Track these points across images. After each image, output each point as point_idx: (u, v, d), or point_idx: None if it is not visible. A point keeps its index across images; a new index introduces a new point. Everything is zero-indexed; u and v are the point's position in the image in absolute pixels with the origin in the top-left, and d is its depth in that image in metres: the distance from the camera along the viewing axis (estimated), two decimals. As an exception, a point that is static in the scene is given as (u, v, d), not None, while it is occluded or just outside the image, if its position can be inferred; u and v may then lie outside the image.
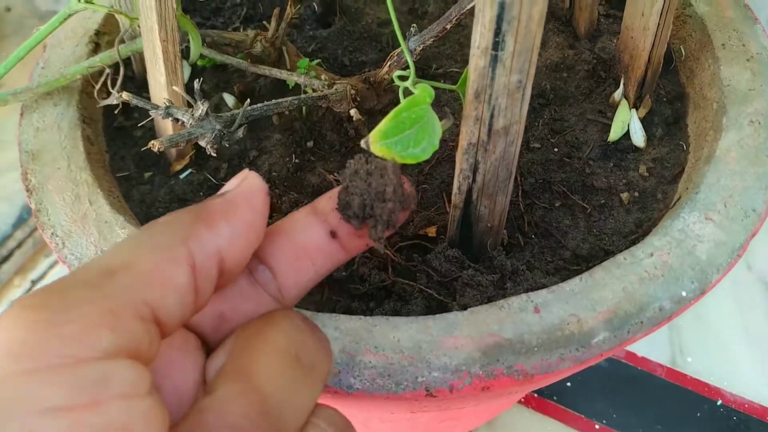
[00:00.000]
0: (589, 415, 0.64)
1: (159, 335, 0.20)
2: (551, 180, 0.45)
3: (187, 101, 0.39)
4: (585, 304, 0.34)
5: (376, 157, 0.26)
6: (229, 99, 0.50)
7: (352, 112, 0.44)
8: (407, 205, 0.27)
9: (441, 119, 0.33)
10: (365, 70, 0.50)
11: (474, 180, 0.35)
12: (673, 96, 0.49)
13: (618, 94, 0.48)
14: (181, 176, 0.46)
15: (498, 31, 0.29)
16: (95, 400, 0.17)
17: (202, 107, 0.35)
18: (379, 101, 0.47)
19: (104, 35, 0.52)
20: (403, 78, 0.36)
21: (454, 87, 0.37)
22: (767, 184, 0.39)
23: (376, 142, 0.30)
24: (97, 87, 0.46)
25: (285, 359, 0.22)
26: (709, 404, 0.64)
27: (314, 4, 0.57)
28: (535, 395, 0.65)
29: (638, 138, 0.47)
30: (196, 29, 0.43)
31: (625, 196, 0.44)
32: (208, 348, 0.24)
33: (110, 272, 0.19)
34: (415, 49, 0.42)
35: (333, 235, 0.26)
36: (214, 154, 0.38)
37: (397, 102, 0.48)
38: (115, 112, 0.49)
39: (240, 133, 0.36)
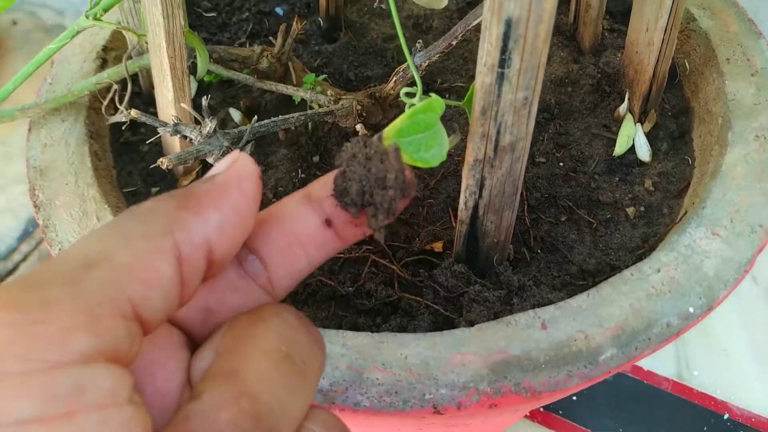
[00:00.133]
0: (594, 429, 0.63)
1: (141, 333, 0.18)
2: (557, 194, 0.45)
3: (195, 118, 0.40)
4: (592, 320, 0.34)
5: (376, 140, 0.25)
6: (236, 114, 0.50)
7: (358, 127, 0.44)
8: (408, 192, 0.25)
9: (449, 135, 0.33)
10: (371, 85, 0.50)
11: (480, 196, 0.36)
12: (678, 110, 0.49)
13: (623, 108, 0.49)
14: (188, 191, 0.46)
15: (504, 49, 0.29)
16: (70, 410, 0.15)
17: (210, 124, 0.35)
18: (385, 116, 0.47)
19: (111, 51, 0.52)
20: (410, 94, 0.36)
21: (460, 103, 0.38)
22: (773, 199, 0.39)
23: (390, 138, 0.30)
24: (105, 103, 0.46)
25: (277, 359, 0.20)
26: (716, 418, 0.64)
27: (320, 19, 0.58)
28: (541, 409, 0.64)
29: (643, 152, 0.47)
30: (203, 46, 0.43)
31: (630, 210, 0.44)
32: (193, 344, 0.23)
33: (88, 265, 0.18)
34: (421, 65, 0.42)
35: (328, 223, 0.24)
36: (221, 170, 0.38)
37: (402, 117, 0.49)
38: (123, 127, 0.49)
39: (248, 149, 0.36)
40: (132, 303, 0.18)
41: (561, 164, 0.47)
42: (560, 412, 0.64)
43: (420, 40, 0.43)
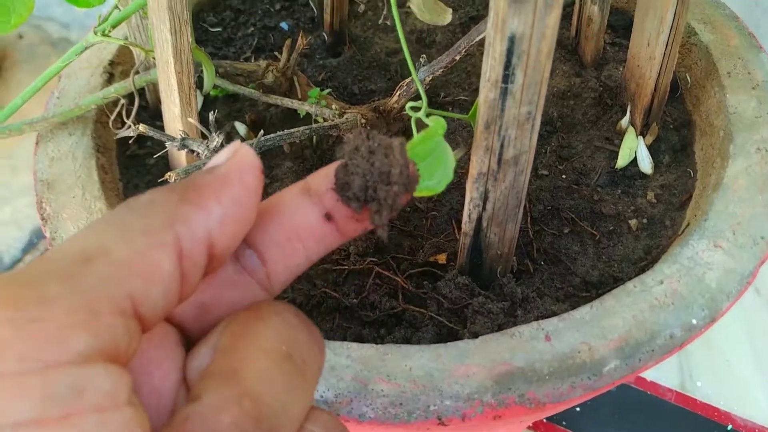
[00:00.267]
0: (599, 440, 0.63)
1: (139, 331, 0.18)
2: (560, 207, 0.45)
3: (201, 132, 0.40)
4: (596, 332, 0.34)
5: (380, 134, 0.24)
6: (241, 128, 0.51)
7: (363, 140, 0.45)
8: (411, 187, 0.24)
9: (453, 148, 0.34)
10: (375, 99, 0.51)
11: (484, 208, 0.36)
12: (679, 123, 0.50)
13: (625, 121, 0.49)
14: (194, 204, 0.47)
15: (508, 65, 0.29)
16: (68, 412, 0.15)
17: (217, 139, 0.35)
18: (389, 130, 0.48)
19: (118, 65, 0.53)
20: (415, 108, 0.37)
21: (465, 117, 0.38)
22: (775, 211, 0.39)
23: None
24: (112, 117, 0.47)
25: (277, 359, 0.19)
26: (720, 429, 0.64)
27: (324, 34, 0.58)
28: (545, 420, 0.64)
29: (645, 165, 0.47)
30: (210, 61, 0.44)
31: (633, 222, 0.45)
32: (187, 341, 0.22)
33: (86, 259, 0.17)
34: (425, 79, 0.43)
35: (328, 217, 0.23)
36: (228, 184, 0.38)
37: (406, 129, 0.49)
38: (129, 141, 0.50)
39: (254, 163, 0.37)
40: (131, 299, 0.17)
41: (564, 177, 0.47)
42: (564, 423, 0.64)
43: (424, 55, 0.44)
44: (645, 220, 0.45)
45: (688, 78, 0.51)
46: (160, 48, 0.40)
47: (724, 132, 0.45)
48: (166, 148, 0.45)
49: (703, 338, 0.72)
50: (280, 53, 0.49)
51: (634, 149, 0.48)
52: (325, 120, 0.45)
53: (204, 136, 0.39)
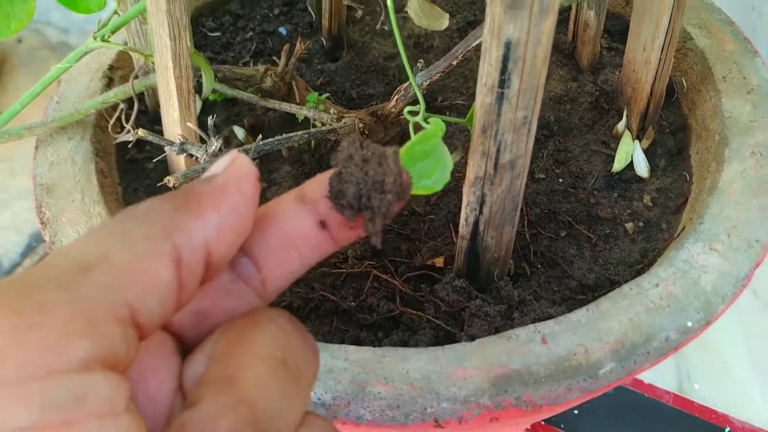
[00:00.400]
0: (596, 443, 0.64)
1: (137, 339, 0.18)
2: (556, 210, 0.46)
3: (200, 136, 0.40)
4: (592, 334, 0.35)
5: (374, 143, 0.24)
6: (240, 132, 0.51)
7: (361, 144, 0.45)
8: (404, 195, 0.24)
9: (451, 152, 0.34)
10: (372, 103, 0.51)
11: (481, 212, 0.36)
12: (675, 127, 0.50)
13: (621, 125, 0.49)
14: (193, 208, 0.47)
15: (504, 70, 0.30)
16: (68, 420, 0.15)
17: (215, 143, 0.36)
18: (387, 134, 0.48)
19: (117, 70, 0.53)
20: (413, 113, 0.37)
21: (463, 121, 0.38)
22: (770, 214, 0.40)
23: None
24: (112, 121, 0.47)
25: (273, 365, 0.20)
26: (717, 431, 0.64)
27: (322, 38, 0.58)
28: (543, 422, 0.65)
29: (642, 168, 0.48)
30: (209, 66, 0.44)
31: (629, 226, 0.45)
32: (183, 349, 0.22)
33: (86, 267, 0.17)
34: (423, 84, 0.43)
35: (322, 224, 0.23)
36: (226, 188, 0.38)
37: (404, 134, 0.49)
38: (129, 145, 0.50)
39: (252, 167, 0.37)
40: (129, 307, 0.17)
41: (560, 180, 0.48)
42: (562, 425, 0.65)
43: (421, 60, 0.44)
44: (641, 224, 0.45)
45: (684, 82, 0.51)
46: (159, 53, 0.40)
47: (719, 136, 0.45)
48: (165, 152, 0.45)
49: (701, 341, 0.72)
50: (279, 58, 0.49)
51: (631, 153, 0.48)
52: (323, 124, 0.46)
53: (203, 141, 0.39)
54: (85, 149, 0.47)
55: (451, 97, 0.54)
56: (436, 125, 0.32)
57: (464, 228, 0.38)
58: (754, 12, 0.79)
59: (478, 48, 0.32)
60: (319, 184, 0.24)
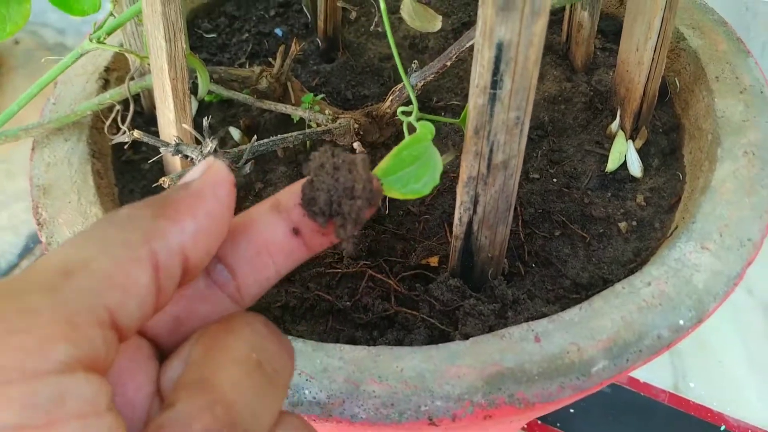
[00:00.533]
0: (592, 442, 0.64)
1: (117, 341, 0.18)
2: (550, 210, 0.46)
3: (196, 137, 0.41)
4: (585, 333, 0.35)
5: (344, 149, 0.25)
6: (235, 133, 0.51)
7: (355, 145, 0.45)
8: (375, 201, 0.25)
9: (444, 152, 0.34)
10: (368, 104, 0.51)
11: (475, 212, 0.36)
12: (668, 127, 0.50)
13: (615, 125, 0.50)
14: (189, 208, 0.47)
15: (496, 71, 0.30)
16: (50, 420, 0.16)
17: (210, 144, 0.36)
18: (382, 134, 0.48)
19: (113, 72, 0.53)
20: (406, 113, 0.37)
21: (456, 121, 0.39)
22: (762, 213, 0.40)
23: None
24: (108, 123, 0.47)
25: (248, 368, 0.20)
26: (713, 430, 0.65)
27: (318, 40, 0.59)
28: (539, 422, 0.65)
29: (635, 168, 0.48)
30: (204, 67, 0.44)
31: (623, 225, 0.45)
32: (161, 354, 0.23)
33: (67, 272, 0.18)
34: (417, 85, 0.43)
35: (296, 232, 0.24)
36: (222, 188, 0.39)
37: (399, 134, 0.50)
38: (125, 147, 0.50)
39: (247, 168, 0.37)
40: (109, 311, 0.18)
41: (554, 180, 0.48)
42: (558, 424, 0.65)
43: (416, 61, 0.44)
44: (634, 223, 0.45)
45: (677, 82, 0.52)
46: (154, 55, 0.40)
47: (712, 135, 0.45)
48: (160, 153, 0.45)
49: (696, 339, 0.72)
50: (274, 59, 0.50)
51: (624, 153, 0.48)
52: (318, 125, 0.46)
53: (198, 142, 0.39)
54: (81, 150, 0.47)
55: (446, 98, 0.54)
56: (425, 129, 0.32)
57: (458, 228, 0.38)
58: (749, 12, 0.80)
59: (472, 49, 0.32)
60: (292, 192, 0.24)
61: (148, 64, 0.43)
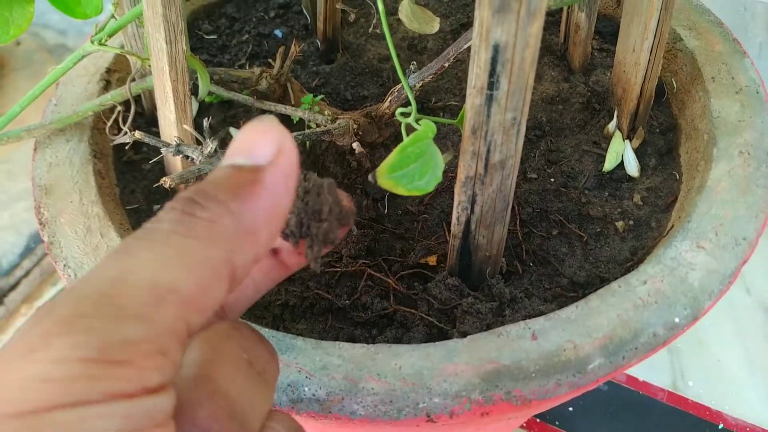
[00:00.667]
0: (590, 440, 0.64)
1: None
2: (548, 209, 0.46)
3: (196, 138, 0.41)
4: (581, 330, 0.35)
5: (314, 174, 0.26)
6: (235, 133, 0.52)
7: (355, 145, 0.46)
8: (346, 222, 0.26)
9: (443, 152, 0.35)
10: (367, 105, 0.52)
11: (472, 211, 0.37)
12: (665, 127, 0.51)
13: (612, 125, 0.50)
14: (189, 208, 0.48)
15: (493, 72, 0.30)
16: (148, 428, 0.18)
17: (211, 144, 0.36)
18: (381, 135, 0.49)
19: (115, 73, 0.54)
20: (405, 114, 0.38)
21: (454, 121, 0.39)
22: (757, 213, 0.40)
23: (383, 175, 0.32)
24: (109, 123, 0.47)
25: (241, 366, 0.22)
26: (711, 428, 0.65)
27: (317, 41, 0.59)
28: (537, 420, 0.65)
29: (632, 168, 0.48)
30: (204, 69, 0.45)
31: (620, 224, 0.46)
32: None
33: (160, 298, 0.19)
34: (415, 85, 0.44)
35: (274, 251, 0.26)
36: (222, 188, 0.39)
37: (398, 135, 0.50)
38: (126, 147, 0.50)
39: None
40: (189, 330, 0.20)
41: (552, 180, 0.48)
42: (557, 423, 0.65)
43: (414, 62, 0.45)
44: (631, 222, 0.46)
45: (674, 83, 0.52)
46: (155, 56, 0.41)
47: (708, 136, 0.46)
48: (161, 153, 0.46)
49: (694, 338, 0.73)
50: (274, 60, 0.50)
51: (621, 153, 0.49)
52: (318, 125, 0.46)
53: (199, 142, 0.40)
54: (83, 151, 0.47)
55: (444, 99, 0.55)
56: (426, 127, 0.33)
57: (456, 227, 0.38)
58: (747, 12, 0.80)
59: (470, 50, 0.33)
60: None
61: (149, 66, 0.43)
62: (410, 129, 0.37)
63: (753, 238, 0.40)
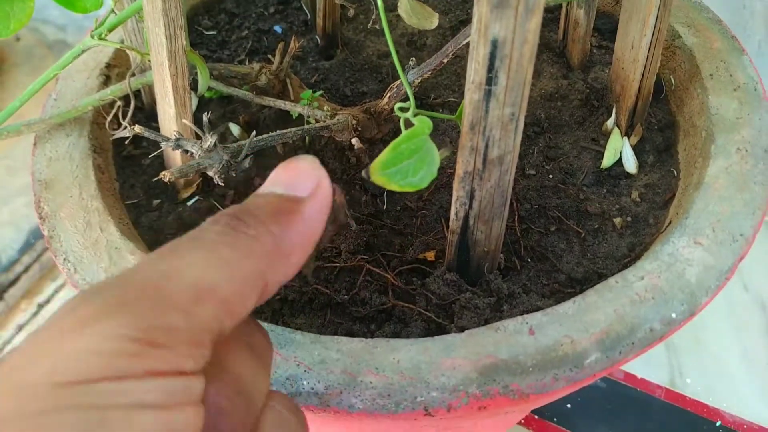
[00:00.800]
0: (588, 436, 0.64)
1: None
2: (546, 205, 0.46)
3: (196, 132, 0.41)
4: (578, 326, 0.35)
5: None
6: (235, 129, 0.52)
7: (354, 141, 0.46)
8: (337, 221, 0.28)
9: (441, 148, 0.35)
10: (366, 101, 0.52)
11: (470, 207, 0.37)
12: (663, 124, 0.51)
13: (610, 122, 0.50)
14: (189, 203, 0.48)
15: (491, 68, 0.30)
16: (181, 404, 0.20)
17: (210, 139, 0.36)
18: (380, 130, 0.49)
19: (114, 68, 0.54)
20: (403, 109, 0.38)
21: (452, 117, 0.39)
22: (754, 209, 0.41)
23: (376, 172, 0.32)
24: (109, 118, 0.48)
25: (244, 349, 0.24)
26: (708, 425, 0.65)
27: (317, 37, 0.59)
28: (536, 417, 0.65)
29: (630, 165, 0.48)
30: (204, 64, 0.45)
31: (618, 221, 0.46)
32: None
33: (199, 298, 0.21)
34: (414, 81, 0.44)
35: None
36: (222, 183, 0.39)
37: (397, 131, 0.50)
38: (125, 142, 0.51)
39: (246, 163, 0.38)
40: (220, 331, 0.22)
41: (550, 176, 0.48)
42: (555, 419, 0.65)
43: (413, 58, 0.45)
44: (629, 219, 0.46)
45: (673, 80, 0.52)
46: (155, 51, 0.41)
47: (706, 132, 0.46)
48: (161, 148, 0.46)
49: (693, 335, 0.73)
50: (274, 56, 0.50)
51: (619, 149, 0.49)
52: (317, 121, 0.47)
53: (198, 137, 0.40)
54: (82, 145, 0.47)
55: (443, 95, 0.55)
56: (422, 123, 0.33)
57: (454, 222, 0.38)
58: (746, 10, 0.80)
59: (468, 46, 0.33)
60: None
61: (149, 61, 0.43)
62: (409, 125, 0.37)
63: (750, 235, 0.40)
